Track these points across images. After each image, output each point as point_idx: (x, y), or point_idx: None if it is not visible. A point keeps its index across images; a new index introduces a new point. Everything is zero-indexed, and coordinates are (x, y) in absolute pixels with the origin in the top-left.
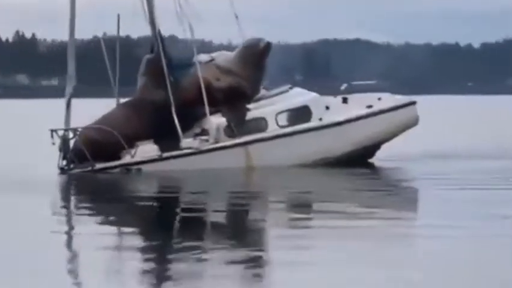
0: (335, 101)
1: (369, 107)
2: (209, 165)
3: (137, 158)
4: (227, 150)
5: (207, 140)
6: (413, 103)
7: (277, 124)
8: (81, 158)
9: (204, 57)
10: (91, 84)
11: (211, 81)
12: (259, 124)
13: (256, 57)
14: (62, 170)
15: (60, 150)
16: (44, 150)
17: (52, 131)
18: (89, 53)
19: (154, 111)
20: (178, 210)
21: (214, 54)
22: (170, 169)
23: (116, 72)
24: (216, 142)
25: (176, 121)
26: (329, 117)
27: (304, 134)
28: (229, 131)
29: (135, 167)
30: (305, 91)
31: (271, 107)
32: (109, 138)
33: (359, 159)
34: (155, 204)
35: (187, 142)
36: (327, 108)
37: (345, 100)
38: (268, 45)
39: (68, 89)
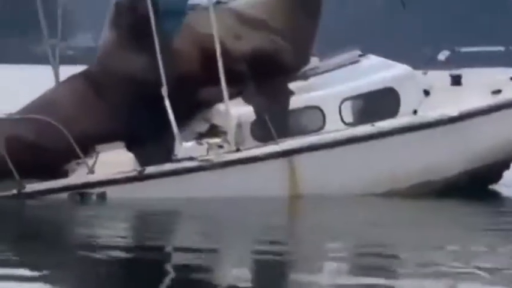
0: (439, 80)
1: (497, 92)
2: (224, 190)
3: (98, 175)
4: (257, 166)
5: (220, 146)
6: None
7: (342, 120)
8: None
9: None
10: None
11: (225, 40)
12: (311, 119)
13: None
14: None
15: None
16: None
17: None
18: None
19: (129, 93)
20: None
21: None
22: (156, 196)
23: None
24: (237, 150)
25: (170, 111)
26: (431, 110)
27: (388, 138)
28: (260, 130)
29: (95, 190)
30: (387, 61)
31: (330, 89)
32: (51, 138)
33: (476, 185)
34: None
35: (187, 149)
36: (427, 93)
37: (456, 80)
38: None
39: None
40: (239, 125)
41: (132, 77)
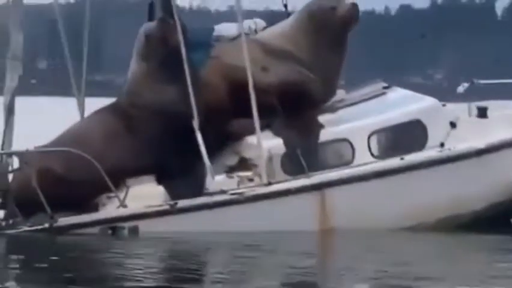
0: (465, 113)
1: None
2: (256, 224)
3: (130, 209)
4: (288, 199)
5: (251, 180)
6: None
7: (371, 152)
8: (30, 206)
9: (232, 29)
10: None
11: (252, 72)
12: (340, 152)
13: (332, 30)
14: None
15: None
16: None
17: None
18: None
19: (160, 126)
20: None
21: (252, 25)
22: (188, 230)
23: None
24: (268, 183)
25: (201, 144)
26: (458, 143)
27: (418, 172)
28: (290, 163)
29: (127, 224)
30: (414, 94)
31: (359, 122)
32: (82, 171)
33: (501, 218)
34: None
35: (218, 182)
36: (453, 125)
37: (482, 112)
38: (354, 8)
39: (11, 80)
40: (270, 158)
41: (163, 110)
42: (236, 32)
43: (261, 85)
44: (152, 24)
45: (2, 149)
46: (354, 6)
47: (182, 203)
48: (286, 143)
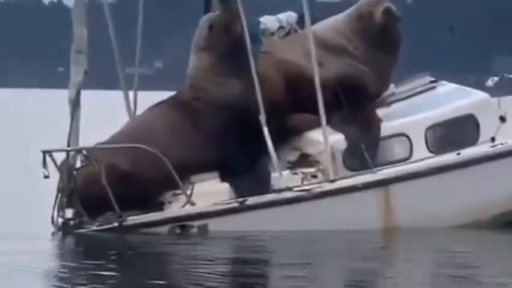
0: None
1: None
2: (317, 222)
3: (199, 207)
4: (352, 196)
5: (314, 176)
6: None
7: (428, 147)
8: (96, 204)
9: (275, 22)
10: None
11: (307, 67)
12: (399, 147)
13: (374, 32)
14: (64, 227)
15: (61, 189)
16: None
17: (45, 153)
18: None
19: (226, 121)
20: None
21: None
22: (257, 228)
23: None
24: (332, 180)
25: (268, 140)
26: (507, 137)
27: (477, 166)
28: (351, 159)
29: (196, 222)
30: (464, 88)
31: (415, 116)
32: (148, 168)
33: None
34: None
35: (284, 178)
36: (503, 119)
37: None
38: (387, 13)
39: (76, 75)
40: (332, 154)
41: (229, 104)
42: (277, 25)
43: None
44: (214, 14)
45: (69, 146)
46: (388, 11)
47: (251, 200)
48: (347, 138)
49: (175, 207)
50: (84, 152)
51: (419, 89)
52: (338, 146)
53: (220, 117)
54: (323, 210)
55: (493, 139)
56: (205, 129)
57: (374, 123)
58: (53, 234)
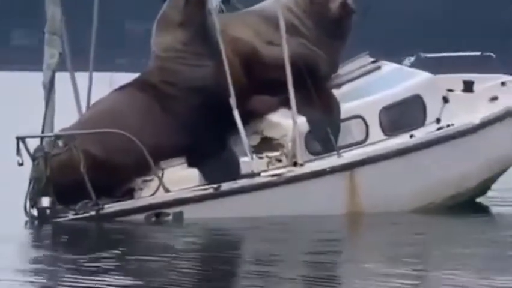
0: (455, 88)
1: (495, 99)
2: (286, 207)
3: (174, 194)
4: (318, 181)
5: (278, 160)
6: None
7: (383, 129)
8: (71, 193)
9: None
10: None
11: (256, 46)
12: (355, 130)
13: (327, 19)
14: (40, 216)
15: (35, 177)
16: None
17: (19, 139)
18: None
19: (196, 104)
20: None
21: None
22: (231, 214)
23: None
24: (294, 164)
25: (239, 123)
26: (453, 118)
27: (431, 149)
28: (314, 142)
29: (172, 209)
30: (407, 68)
31: (368, 98)
32: (122, 154)
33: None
34: None
35: (248, 163)
36: (446, 100)
37: (469, 86)
38: (344, 6)
39: (50, 57)
40: (295, 138)
41: (203, 87)
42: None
43: (268, 60)
44: None
45: (43, 132)
46: (344, 4)
47: (225, 186)
48: (310, 121)
49: (146, 194)
50: (61, 138)
51: (364, 70)
52: (301, 129)
53: (192, 101)
54: (295, 195)
55: (438, 120)
56: (174, 114)
57: (335, 104)
58: (26, 223)
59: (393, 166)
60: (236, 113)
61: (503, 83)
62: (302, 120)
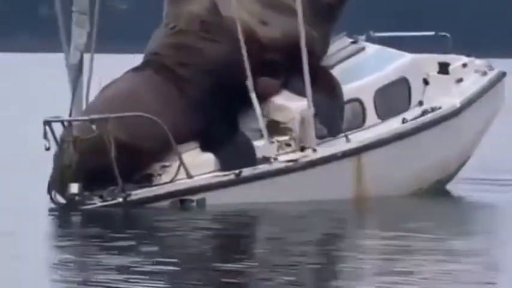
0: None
1: (460, 80)
2: (296, 193)
3: (198, 180)
4: (328, 166)
5: (288, 144)
6: (503, 75)
7: (377, 113)
8: (99, 178)
9: None
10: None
11: (250, 26)
12: (353, 113)
13: (334, 5)
14: (69, 203)
15: (61, 164)
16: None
17: (47, 123)
18: None
19: (211, 86)
20: None
21: None
22: (252, 200)
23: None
24: (302, 148)
25: (257, 106)
26: (436, 101)
27: (425, 132)
28: (320, 126)
29: (195, 196)
30: (388, 49)
31: (363, 80)
32: (147, 139)
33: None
34: None
35: (265, 148)
36: (426, 82)
37: (444, 68)
38: None
39: (79, 37)
40: (302, 121)
41: (220, 68)
42: None
43: (264, 40)
44: None
45: (71, 115)
46: None
47: (246, 171)
48: (315, 104)
49: (165, 179)
50: (92, 122)
51: (349, 51)
52: (307, 113)
53: (206, 83)
54: (309, 180)
55: (420, 103)
56: (189, 97)
57: (337, 86)
58: (52, 211)
59: (398, 150)
60: (253, 96)
61: (464, 65)
62: (305, 103)
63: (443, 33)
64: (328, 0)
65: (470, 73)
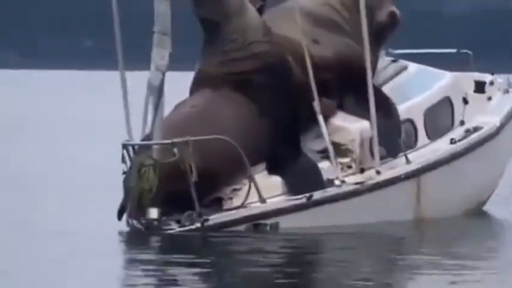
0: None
1: (490, 99)
2: (362, 215)
3: (271, 204)
4: (392, 188)
5: (349, 166)
6: None
7: (427, 133)
8: (176, 202)
9: None
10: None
11: (305, 45)
12: (407, 133)
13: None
14: (148, 228)
15: (141, 188)
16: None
17: (125, 146)
18: None
19: (287, 107)
20: None
21: None
22: (323, 223)
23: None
24: (361, 170)
25: (323, 127)
26: (475, 120)
27: (474, 152)
28: (380, 147)
29: (269, 220)
30: (429, 68)
31: (413, 100)
32: (222, 163)
33: None
34: None
35: (331, 170)
36: (466, 102)
37: (480, 86)
38: (392, 16)
39: (160, 58)
40: (362, 143)
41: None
42: None
43: (317, 60)
44: None
45: (149, 139)
46: (394, 15)
47: (316, 195)
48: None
49: (236, 203)
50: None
51: (393, 71)
52: (366, 134)
53: (284, 103)
54: (374, 202)
55: (462, 122)
56: (270, 117)
57: (393, 106)
58: (124, 234)
59: (453, 170)
60: (320, 118)
61: (491, 83)
62: (365, 124)
63: (465, 51)
64: (380, 20)
65: (495, 91)
